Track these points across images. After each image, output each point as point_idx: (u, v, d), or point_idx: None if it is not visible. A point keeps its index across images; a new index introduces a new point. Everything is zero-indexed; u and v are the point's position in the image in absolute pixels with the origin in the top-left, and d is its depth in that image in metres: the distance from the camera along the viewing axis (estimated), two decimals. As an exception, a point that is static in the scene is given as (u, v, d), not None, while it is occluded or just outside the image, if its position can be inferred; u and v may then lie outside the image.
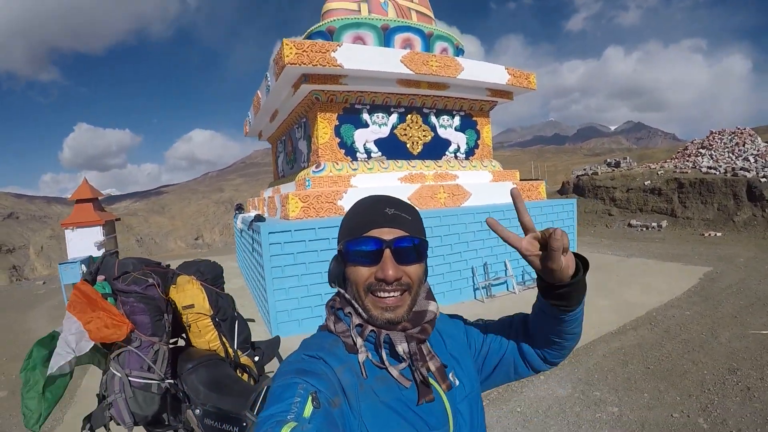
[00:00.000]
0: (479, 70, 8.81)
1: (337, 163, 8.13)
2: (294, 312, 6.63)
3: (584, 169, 21.87)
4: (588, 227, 17.60)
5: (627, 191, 17.88)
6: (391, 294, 1.04)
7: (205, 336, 2.77)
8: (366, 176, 8.17)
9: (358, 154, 8.42)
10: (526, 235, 1.05)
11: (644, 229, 15.73)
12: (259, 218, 7.80)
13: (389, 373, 1.04)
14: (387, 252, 1.03)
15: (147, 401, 2.44)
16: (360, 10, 8.93)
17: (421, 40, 8.96)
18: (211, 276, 2.97)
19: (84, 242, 12.97)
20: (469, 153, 9.68)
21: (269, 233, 6.51)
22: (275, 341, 3.21)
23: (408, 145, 8.87)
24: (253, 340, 3.13)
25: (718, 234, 13.80)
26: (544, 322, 1.17)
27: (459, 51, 9.73)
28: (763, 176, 14.69)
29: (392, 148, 8.73)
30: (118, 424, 2.51)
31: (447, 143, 9.39)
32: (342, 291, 1.14)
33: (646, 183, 17.32)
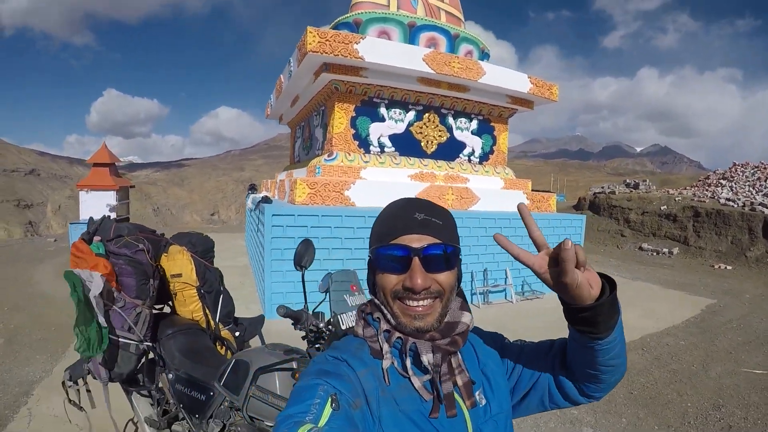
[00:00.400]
0: (501, 76, 8.81)
1: (350, 154, 8.20)
2: (289, 295, 6.71)
3: (602, 188, 21.72)
4: (599, 245, 17.49)
5: (642, 214, 17.73)
6: (420, 302, 1.02)
7: (190, 306, 2.89)
8: (377, 170, 8.22)
9: (371, 147, 8.48)
10: (539, 252, 0.99)
11: (655, 253, 15.59)
12: (266, 200, 7.92)
13: (411, 382, 1.03)
14: (416, 260, 1.00)
15: (124, 360, 2.56)
16: (389, 5, 8.98)
17: (446, 40, 8.98)
18: (201, 249, 3.07)
19: (97, 205, 13.25)
20: (484, 158, 9.68)
21: (273, 215, 6.60)
22: (259, 320, 3.30)
23: (422, 144, 8.90)
24: (239, 316, 3.24)
25: (729, 267, 13.64)
26: (577, 351, 1.10)
27: (484, 55, 9.74)
28: None
29: (406, 145, 8.78)
30: (95, 378, 2.63)
31: (462, 146, 9.41)
32: (373, 297, 1.13)
33: (662, 208, 17.17)
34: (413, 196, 1.14)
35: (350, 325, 2.06)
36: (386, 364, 1.03)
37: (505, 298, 8.49)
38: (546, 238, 0.99)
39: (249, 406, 2.18)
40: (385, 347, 1.04)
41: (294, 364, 2.16)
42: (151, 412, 2.85)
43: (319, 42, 7.17)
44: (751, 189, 17.57)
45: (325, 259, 6.86)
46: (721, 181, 19.20)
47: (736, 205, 15.83)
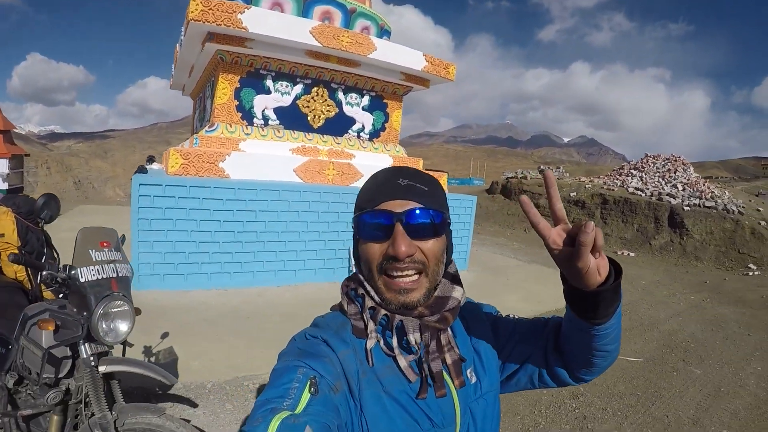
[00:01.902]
0: (394, 53, 9.66)
1: (231, 126, 8.90)
2: (157, 266, 7.42)
3: (515, 173, 23.37)
4: (506, 229, 19.03)
5: (552, 199, 19.19)
6: (405, 274, 1.04)
7: (13, 266, 3.37)
8: (257, 142, 8.95)
9: (255, 120, 9.18)
10: (556, 225, 0.98)
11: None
12: (141, 169, 8.56)
13: (396, 362, 1.06)
14: (398, 226, 1.03)
15: None
16: (287, -24, 9.66)
17: (341, 14, 9.73)
18: (25, 210, 3.54)
19: None
20: (374, 135, 10.57)
21: (140, 185, 7.24)
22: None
23: (309, 118, 9.68)
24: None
25: (632, 254, 15.27)
26: (572, 333, 1.12)
27: (384, 32, 10.56)
28: (687, 205, 16.25)
29: (292, 119, 9.53)
30: None
31: (352, 121, 10.26)
32: (357, 271, 1.17)
33: (572, 194, 18.86)
34: (400, 165, 1.17)
35: (91, 279, 2.51)
36: (370, 343, 1.06)
37: (384, 275, 9.43)
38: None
39: (24, 355, 2.67)
40: (370, 325, 1.08)
41: (47, 315, 2.61)
42: None
43: (201, 10, 7.72)
44: (660, 180, 19.45)
45: (193, 230, 7.60)
46: (632, 171, 21.08)
47: (643, 195, 17.61)
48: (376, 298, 1.09)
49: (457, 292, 1.14)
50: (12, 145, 15.42)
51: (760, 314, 9.13)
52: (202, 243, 7.72)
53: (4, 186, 14.26)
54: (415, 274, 1.05)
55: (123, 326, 2.58)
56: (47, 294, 3.25)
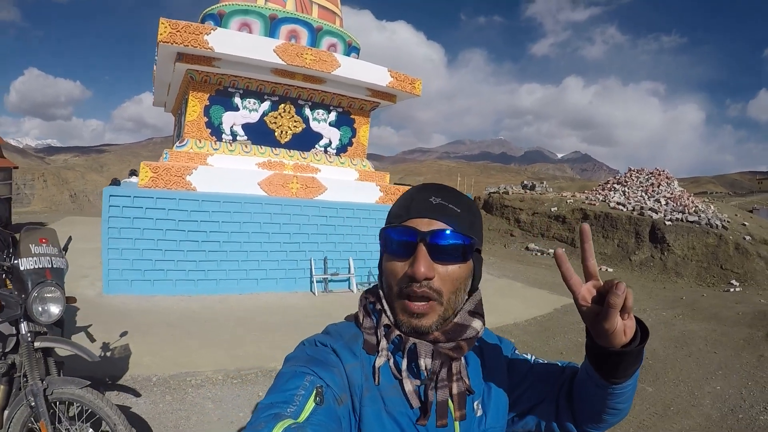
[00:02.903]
0: (359, 69, 10.61)
1: (200, 141, 9.84)
2: (125, 272, 8.34)
3: (498, 188, 24.26)
4: (486, 244, 19.45)
5: (533, 214, 20.28)
6: (420, 299, 1.06)
7: None
8: (224, 157, 9.88)
9: (223, 136, 10.13)
10: (587, 281, 1.02)
11: (539, 254, 17.84)
12: (114, 182, 9.55)
13: (402, 386, 1.09)
14: (421, 246, 1.05)
15: None
16: (257, -2, 10.69)
17: (308, 33, 10.71)
18: None
19: None
20: (341, 150, 11.47)
21: (110, 195, 8.18)
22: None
23: (276, 133, 10.62)
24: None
25: (610, 270, 15.93)
26: (588, 387, 1.14)
27: (352, 49, 11.53)
28: (669, 219, 16.84)
29: (259, 134, 10.48)
30: None
31: (318, 137, 11.19)
32: (378, 284, 1.20)
33: (552, 209, 19.68)
34: (436, 183, 1.20)
35: (29, 268, 3.21)
36: (379, 362, 1.09)
37: (348, 287, 10.25)
38: None
39: None
40: (383, 343, 1.11)
41: None
42: None
43: (170, 32, 8.72)
44: (643, 194, 20.12)
45: (159, 239, 8.53)
46: (615, 185, 21.75)
47: (625, 209, 18.28)
48: (391, 317, 1.12)
49: (476, 324, 1.16)
50: (1, 158, 16.66)
51: (731, 332, 9.11)
52: (168, 251, 8.64)
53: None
54: (428, 298, 1.07)
55: (54, 309, 3.33)
56: (10, 286, 3.70)
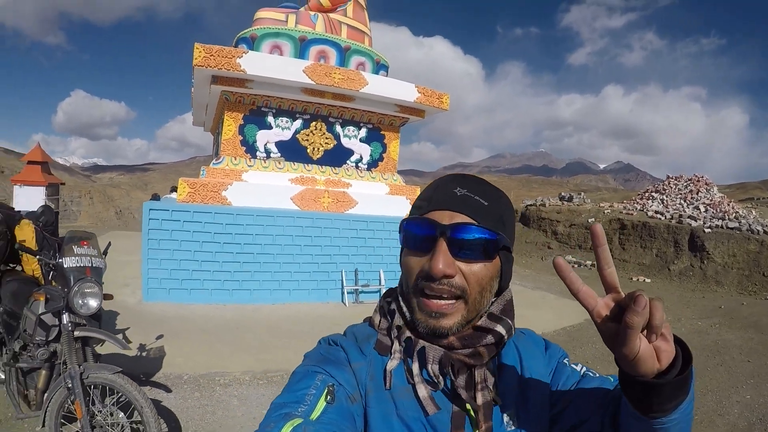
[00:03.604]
0: (386, 86, 10.95)
1: (236, 159, 10.32)
2: (164, 281, 8.82)
3: (535, 200, 24.17)
4: (522, 257, 19.70)
5: (570, 226, 20.19)
6: (440, 296, 0.99)
7: (31, 265, 4.70)
8: (259, 173, 10.32)
9: (258, 153, 10.58)
10: (606, 293, 0.86)
11: (576, 266, 17.64)
12: (154, 197, 10.04)
13: (415, 390, 1.02)
14: (441, 240, 0.98)
15: None
16: (287, 21, 11.10)
17: (336, 53, 11.12)
18: (43, 222, 4.99)
19: (29, 199, 15.73)
20: (372, 165, 11.81)
21: (150, 209, 8.70)
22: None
23: (308, 150, 11.03)
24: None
25: (648, 280, 15.65)
26: (627, 416, 0.94)
27: (380, 67, 11.90)
28: (709, 227, 16.48)
29: (292, 151, 10.89)
30: None
31: (349, 153, 11.54)
32: (400, 284, 1.14)
33: (590, 220, 19.42)
34: (463, 173, 1.12)
35: (72, 266, 3.69)
36: (391, 365, 1.05)
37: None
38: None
39: (26, 323, 3.90)
40: (396, 345, 1.07)
41: (41, 290, 3.84)
42: None
43: (204, 57, 9.24)
44: (682, 202, 19.77)
45: (196, 250, 8.99)
46: (653, 194, 21.43)
47: (663, 218, 17.99)
48: (408, 315, 1.06)
49: (500, 327, 1.06)
50: (49, 174, 17.86)
51: (769, 340, 8.79)
52: (204, 262, 9.09)
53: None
54: (451, 298, 1.00)
55: (93, 302, 3.76)
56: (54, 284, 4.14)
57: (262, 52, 10.48)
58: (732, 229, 16.21)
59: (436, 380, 1.02)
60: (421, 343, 1.04)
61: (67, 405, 3.58)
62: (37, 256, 3.97)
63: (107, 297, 4.02)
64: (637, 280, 15.72)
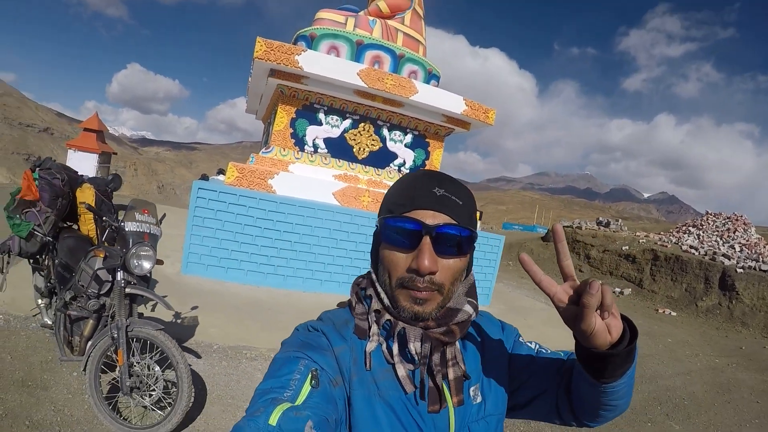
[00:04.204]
0: (435, 96, 11.18)
1: (284, 150, 10.69)
2: (203, 257, 9.19)
3: (571, 222, 24.08)
4: (554, 277, 18.99)
5: (603, 252, 20.01)
6: (423, 287, 1.07)
7: (87, 225, 5.01)
8: (305, 166, 10.68)
9: (306, 147, 10.93)
10: (564, 281, 1.03)
11: (616, 294, 17.40)
12: (204, 177, 10.44)
13: (395, 370, 1.09)
14: (426, 239, 1.05)
15: (30, 243, 4.71)
16: (346, 24, 11.44)
17: (391, 59, 11.42)
18: (102, 187, 5.34)
19: (82, 164, 16.29)
20: (414, 170, 11.95)
21: (198, 188, 9.07)
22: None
23: (354, 149, 11.34)
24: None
25: (673, 313, 15.42)
26: (580, 384, 1.13)
27: (432, 76, 12.13)
28: (742, 267, 16.15)
29: (339, 149, 11.22)
30: (11, 252, 4.84)
31: (393, 156, 11.81)
32: (372, 270, 1.22)
33: (624, 248, 19.36)
34: (434, 170, 1.19)
35: (132, 230, 4.07)
36: (371, 347, 1.11)
37: (411, 293, 10.69)
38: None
39: (81, 276, 4.11)
40: (374, 328, 1.12)
41: (101, 248, 4.18)
42: (42, 285, 5.03)
43: (265, 51, 9.64)
44: (718, 239, 19.48)
45: (238, 232, 9.33)
46: (690, 228, 21.15)
47: (697, 253, 17.71)
48: (386, 302, 1.12)
49: (468, 307, 1.15)
50: (103, 143, 18.46)
51: (783, 385, 8.71)
52: (243, 244, 9.43)
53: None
54: (430, 288, 1.07)
55: (146, 264, 4.10)
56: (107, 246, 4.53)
57: (320, 51, 10.86)
58: (765, 271, 15.90)
59: (417, 357, 1.10)
60: (401, 324, 1.11)
61: (109, 353, 3.90)
62: (103, 218, 4.33)
63: (159, 262, 4.32)
64: (663, 312, 15.55)
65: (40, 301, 5.12)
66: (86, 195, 4.94)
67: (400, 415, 1.07)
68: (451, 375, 1.12)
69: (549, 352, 1.35)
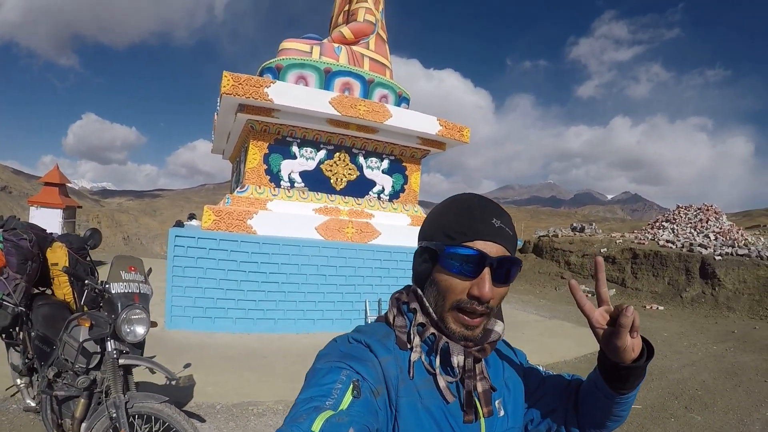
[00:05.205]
0: (409, 119, 10.79)
1: (260, 187, 10.09)
2: (188, 309, 8.50)
3: (547, 231, 23.98)
4: (537, 287, 19.54)
5: (582, 256, 19.98)
6: (478, 313, 1.12)
7: (63, 289, 4.38)
8: (283, 203, 10.09)
9: (282, 182, 10.36)
10: (599, 306, 1.15)
11: (590, 295, 17.09)
12: (178, 223, 9.78)
13: (436, 381, 1.13)
14: (487, 270, 1.09)
15: (1, 317, 4.06)
16: (311, 52, 10.98)
17: (360, 85, 10.99)
18: (76, 245, 4.66)
19: (45, 220, 15.33)
20: (394, 196, 11.57)
21: (176, 236, 8.44)
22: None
23: (332, 181, 10.81)
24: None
25: (661, 308, 15.48)
26: (597, 397, 1.24)
27: (402, 99, 11.75)
28: (719, 254, 16.40)
29: (316, 182, 10.68)
30: None
31: (372, 184, 11.32)
32: (416, 288, 1.23)
33: (602, 250, 19.32)
34: (483, 197, 1.24)
35: (120, 292, 3.49)
36: (414, 356, 1.13)
37: (404, 326, 10.22)
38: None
39: (64, 350, 3.62)
40: (416, 340, 1.15)
41: (85, 316, 3.57)
42: (19, 362, 4.39)
43: (232, 85, 9.10)
44: (692, 231, 19.76)
45: (221, 278, 8.69)
46: (664, 223, 21.45)
47: (674, 247, 17.89)
48: (435, 318, 1.16)
49: (499, 327, 1.22)
50: (66, 197, 17.57)
51: (784, 360, 9.01)
52: (229, 290, 8.78)
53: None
54: (483, 315, 1.13)
55: (140, 329, 3.53)
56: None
57: (287, 82, 10.36)
58: (742, 255, 16.25)
59: (459, 370, 1.15)
60: (444, 339, 1.15)
61: (108, 435, 3.32)
62: (85, 281, 3.72)
63: (153, 324, 3.75)
64: (651, 308, 15.60)
65: (19, 380, 4.48)
66: (58, 255, 4.37)
67: (440, 423, 1.10)
68: (479, 388, 1.16)
69: (556, 374, 1.44)
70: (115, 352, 3.44)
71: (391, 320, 1.22)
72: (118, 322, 3.42)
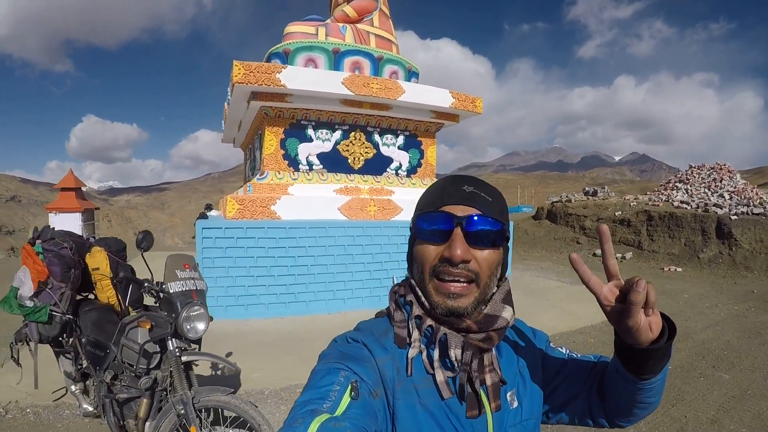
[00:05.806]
0: (422, 93, 10.64)
1: (279, 173, 10.02)
2: (220, 299, 8.49)
3: (560, 196, 23.81)
4: (553, 253, 19.42)
5: (597, 220, 19.69)
6: (457, 279, 1.05)
7: (106, 293, 4.34)
8: (304, 186, 10.03)
9: (300, 166, 10.28)
10: (609, 281, 1.03)
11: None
12: (202, 215, 9.72)
13: (433, 377, 1.07)
14: (457, 230, 1.04)
15: (50, 327, 4.06)
16: (317, 34, 10.83)
17: (370, 63, 10.85)
18: (114, 249, 4.59)
19: (65, 226, 15.34)
20: (411, 171, 11.49)
21: (203, 228, 8.39)
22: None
23: (349, 160, 10.73)
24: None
25: (679, 269, 15.35)
26: (617, 383, 1.14)
27: (412, 74, 11.60)
28: (735, 214, 16.21)
29: (334, 162, 10.59)
30: (30, 341, 4.18)
31: (389, 161, 11.23)
32: (409, 276, 1.19)
33: (617, 214, 19.19)
34: (463, 174, 1.20)
35: (177, 290, 3.47)
36: (412, 353, 1.08)
37: (432, 300, 10.23)
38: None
39: (123, 353, 3.57)
40: (415, 334, 1.10)
41: (144, 317, 3.58)
42: (71, 369, 4.37)
43: (244, 74, 8.97)
44: (706, 190, 19.51)
45: (251, 266, 8.67)
46: (677, 184, 21.16)
47: (689, 207, 17.67)
48: (425, 302, 1.10)
49: (506, 313, 1.13)
50: (83, 200, 17.57)
51: (805, 317, 8.91)
52: (259, 277, 8.78)
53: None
54: (466, 282, 1.06)
55: (200, 325, 3.54)
56: (133, 314, 4.06)
57: (296, 65, 10.23)
58: (758, 215, 16.06)
59: (457, 364, 1.07)
60: (443, 330, 1.08)
61: (176, 431, 3.38)
62: (144, 284, 3.72)
63: (210, 319, 3.75)
64: (669, 270, 15.45)
65: (73, 387, 4.44)
66: (97, 260, 4.33)
67: (440, 422, 1.05)
68: (488, 381, 1.10)
69: (579, 356, 1.34)
70: (177, 350, 3.46)
71: (391, 314, 1.19)
72: (179, 321, 3.42)
